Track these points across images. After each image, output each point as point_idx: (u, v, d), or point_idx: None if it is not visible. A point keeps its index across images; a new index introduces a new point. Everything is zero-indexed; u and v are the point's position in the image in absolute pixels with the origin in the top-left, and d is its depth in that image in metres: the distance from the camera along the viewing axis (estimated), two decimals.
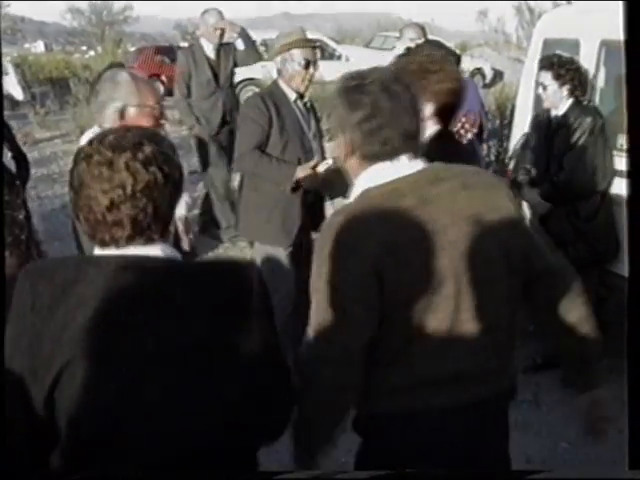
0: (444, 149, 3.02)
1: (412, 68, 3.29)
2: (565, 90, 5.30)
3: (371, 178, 2.51)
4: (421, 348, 2.47)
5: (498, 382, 2.64)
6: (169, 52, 28.79)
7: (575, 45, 5.88)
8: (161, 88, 25.90)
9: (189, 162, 11.88)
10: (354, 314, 2.41)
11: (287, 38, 5.22)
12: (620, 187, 5.33)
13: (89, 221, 2.00)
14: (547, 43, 6.43)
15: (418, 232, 2.41)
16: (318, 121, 5.45)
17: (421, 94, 2.67)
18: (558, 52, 5.77)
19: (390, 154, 2.49)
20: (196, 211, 9.15)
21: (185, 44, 33.53)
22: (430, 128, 3.29)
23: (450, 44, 18.16)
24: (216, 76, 8.34)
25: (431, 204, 2.44)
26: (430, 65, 3.37)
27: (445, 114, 3.42)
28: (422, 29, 7.13)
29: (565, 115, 5.31)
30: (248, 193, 5.28)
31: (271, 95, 5.17)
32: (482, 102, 6.95)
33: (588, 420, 2.78)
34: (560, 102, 5.33)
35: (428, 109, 3.23)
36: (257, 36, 15.23)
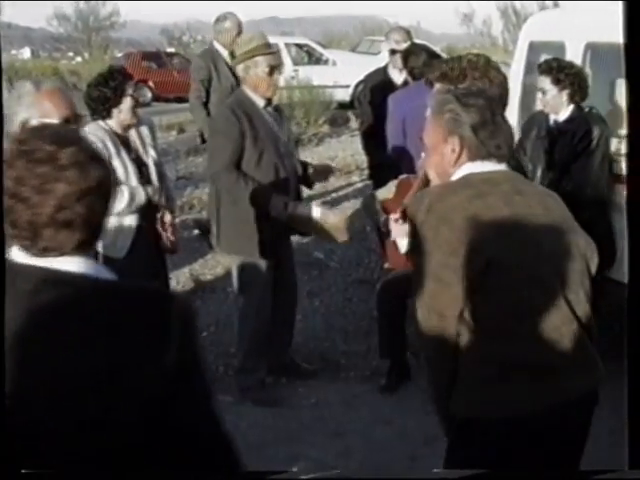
0: None
1: (455, 74, 3.44)
2: (565, 95, 5.22)
3: (470, 169, 2.76)
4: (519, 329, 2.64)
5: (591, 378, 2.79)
6: (156, 57, 28.79)
7: (561, 48, 5.88)
8: (148, 94, 25.94)
9: (176, 168, 11.91)
10: (445, 281, 2.59)
11: (249, 44, 5.09)
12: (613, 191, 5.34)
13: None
14: (533, 46, 6.44)
15: (514, 215, 2.66)
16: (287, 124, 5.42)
17: None
18: (551, 56, 5.77)
19: (499, 158, 2.77)
20: (188, 216, 9.17)
21: (172, 49, 33.58)
22: None
23: (436, 47, 18.21)
24: (237, 81, 8.22)
25: (523, 195, 2.73)
26: (473, 72, 3.51)
27: None
28: (407, 33, 7.12)
29: (569, 121, 5.24)
30: (227, 207, 5.18)
31: (240, 104, 5.05)
32: None
33: None
34: (560, 107, 5.26)
35: None
36: None
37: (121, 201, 4.44)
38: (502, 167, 2.77)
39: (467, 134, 2.70)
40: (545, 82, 5.24)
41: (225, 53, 7.91)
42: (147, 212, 4.74)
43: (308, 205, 5.02)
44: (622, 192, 5.33)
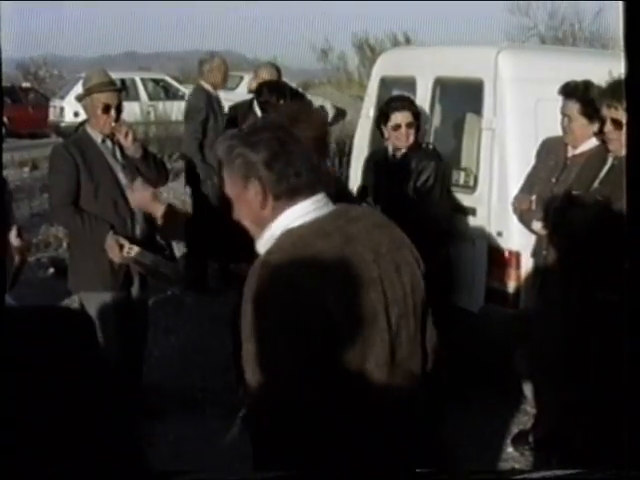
0: None
1: (281, 119, 3.34)
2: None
3: (294, 218, 2.51)
4: (361, 382, 2.48)
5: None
6: (11, 93, 28.12)
7: (412, 83, 5.99)
8: (1, 129, 25.28)
9: (30, 205, 11.68)
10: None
11: (88, 82, 5.15)
12: (462, 223, 5.44)
13: None
14: (385, 81, 6.53)
15: (348, 270, 2.46)
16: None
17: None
18: (402, 91, 5.86)
19: (306, 187, 2.52)
20: (44, 254, 8.93)
21: (27, 84, 32.87)
22: None
23: (293, 83, 18.34)
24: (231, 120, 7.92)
25: (353, 241, 2.50)
26: (299, 115, 3.43)
27: None
28: (277, 70, 7.13)
29: (406, 156, 5.31)
30: (72, 245, 5.24)
31: (75, 142, 5.11)
32: None
33: None
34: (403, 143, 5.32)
35: None
36: None
37: None
38: (319, 198, 2.54)
39: (262, 173, 2.49)
40: (398, 118, 5.28)
41: (215, 92, 7.92)
42: None
43: (143, 251, 4.91)
44: (466, 222, 5.45)
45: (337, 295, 2.39)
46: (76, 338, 1.96)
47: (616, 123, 4.15)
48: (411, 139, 5.30)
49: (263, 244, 2.54)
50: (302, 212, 2.52)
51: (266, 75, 6.93)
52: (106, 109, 5.02)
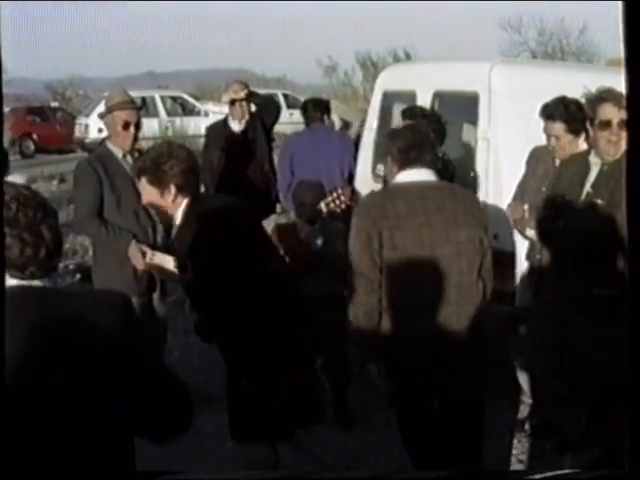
0: None
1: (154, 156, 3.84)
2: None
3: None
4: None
5: None
6: (40, 112, 28.24)
7: (412, 96, 6.01)
8: (31, 146, 25.50)
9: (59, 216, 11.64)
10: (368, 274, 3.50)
11: (109, 101, 5.20)
12: None
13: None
14: (386, 95, 6.55)
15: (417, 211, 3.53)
16: None
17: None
18: (403, 104, 5.84)
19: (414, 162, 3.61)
20: (71, 261, 8.95)
21: (55, 104, 32.94)
22: None
23: (302, 97, 18.37)
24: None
25: (425, 198, 3.55)
26: (166, 153, 3.77)
27: None
28: (245, 84, 7.20)
29: None
30: (98, 253, 5.25)
31: (98, 157, 5.15)
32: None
33: None
34: None
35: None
36: None
37: None
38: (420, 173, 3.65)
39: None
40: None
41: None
42: None
43: (164, 258, 4.91)
44: None
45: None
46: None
47: (603, 124, 4.13)
48: None
49: None
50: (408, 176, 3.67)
51: (237, 88, 6.99)
52: (126, 126, 5.05)
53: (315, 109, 7.20)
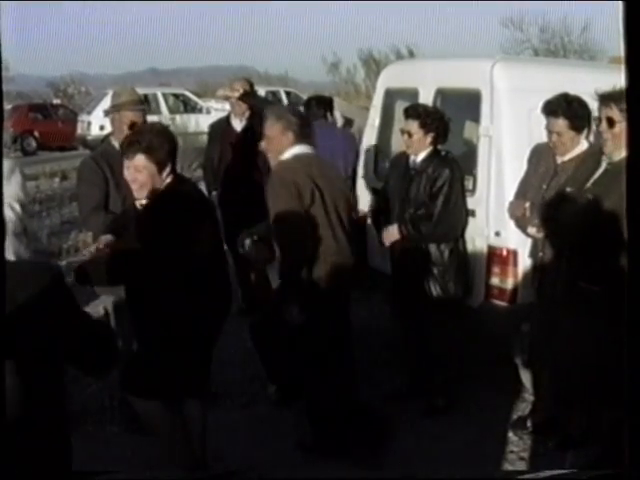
0: None
1: None
2: (429, 138, 5.23)
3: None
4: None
5: None
6: (42, 109, 28.26)
7: (414, 94, 6.00)
8: (33, 143, 25.50)
9: (61, 213, 11.72)
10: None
11: (117, 99, 5.18)
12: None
13: None
14: (389, 92, 6.54)
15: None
16: None
17: None
18: (406, 101, 5.83)
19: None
20: (73, 258, 8.97)
21: (57, 101, 32.94)
22: None
23: (304, 95, 18.34)
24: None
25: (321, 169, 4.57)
26: None
27: None
28: (249, 82, 7.16)
29: (423, 162, 5.25)
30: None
31: (103, 154, 5.15)
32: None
33: None
34: (422, 149, 5.25)
35: None
36: None
37: None
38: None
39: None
40: (412, 126, 5.25)
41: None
42: None
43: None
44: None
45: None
46: None
47: (610, 121, 4.14)
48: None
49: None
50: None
51: (237, 87, 6.95)
52: (132, 126, 5.01)
53: (318, 106, 7.20)
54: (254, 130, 6.95)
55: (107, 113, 5.24)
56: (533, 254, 4.93)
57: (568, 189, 4.39)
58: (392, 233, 5.33)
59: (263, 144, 4.88)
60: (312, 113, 7.03)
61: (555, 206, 4.43)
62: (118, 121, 5.10)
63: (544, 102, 4.74)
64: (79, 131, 23.80)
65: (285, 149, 4.73)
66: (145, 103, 5.54)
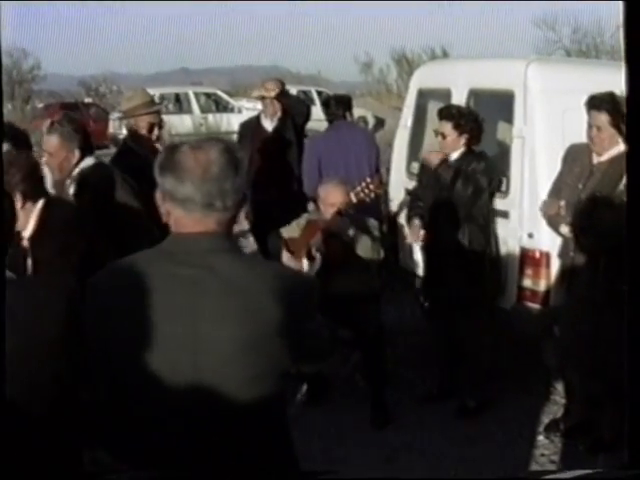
0: None
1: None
2: (463, 139, 5.24)
3: None
4: None
5: None
6: (73, 108, 28.43)
7: (447, 94, 6.00)
8: None
9: None
10: None
11: (130, 102, 5.18)
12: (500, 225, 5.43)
13: None
14: (421, 92, 6.54)
15: None
16: None
17: None
18: (439, 102, 5.82)
19: None
20: None
21: (89, 99, 33.16)
22: None
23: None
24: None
25: None
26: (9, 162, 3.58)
27: None
28: (282, 83, 7.17)
29: (459, 160, 5.24)
30: None
31: (124, 157, 5.13)
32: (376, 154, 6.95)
33: None
34: (456, 150, 5.26)
35: None
36: (155, 92, 15.11)
37: None
38: None
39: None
40: (446, 127, 5.24)
41: None
42: None
43: None
44: (500, 224, 5.42)
45: None
46: None
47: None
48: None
49: None
50: None
51: (271, 87, 6.97)
52: (151, 128, 5.06)
53: (337, 106, 7.14)
54: (285, 130, 7.02)
55: (122, 118, 5.25)
56: (563, 254, 4.91)
57: (604, 191, 4.37)
58: (416, 229, 5.42)
59: None
60: (331, 112, 7.00)
61: (592, 208, 4.41)
62: (135, 125, 5.10)
63: (588, 96, 4.71)
64: (111, 130, 23.95)
65: None
66: (156, 101, 5.52)
